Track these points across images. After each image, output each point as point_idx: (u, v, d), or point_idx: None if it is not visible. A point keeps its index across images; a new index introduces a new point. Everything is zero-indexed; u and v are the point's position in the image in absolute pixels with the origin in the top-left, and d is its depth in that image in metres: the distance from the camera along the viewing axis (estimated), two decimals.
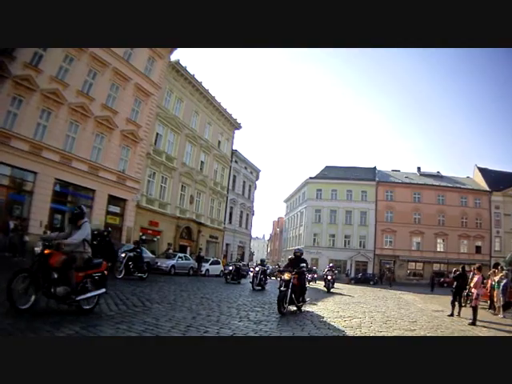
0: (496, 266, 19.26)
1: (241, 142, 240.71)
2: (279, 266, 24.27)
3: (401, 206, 62.63)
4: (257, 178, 60.84)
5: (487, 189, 63.12)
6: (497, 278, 17.13)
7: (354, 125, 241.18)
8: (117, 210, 30.66)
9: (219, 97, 72.60)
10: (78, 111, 26.22)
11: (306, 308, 13.89)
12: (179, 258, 29.45)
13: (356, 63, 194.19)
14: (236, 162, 52.40)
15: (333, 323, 10.60)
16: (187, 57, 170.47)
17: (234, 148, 52.00)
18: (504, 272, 17.63)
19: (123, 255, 19.41)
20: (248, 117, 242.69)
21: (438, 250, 62.20)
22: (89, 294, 8.08)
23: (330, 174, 68.64)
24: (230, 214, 51.54)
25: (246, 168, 56.13)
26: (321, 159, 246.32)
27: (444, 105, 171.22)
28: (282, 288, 11.79)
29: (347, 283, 47.53)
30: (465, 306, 16.43)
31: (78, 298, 7.75)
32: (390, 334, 9.36)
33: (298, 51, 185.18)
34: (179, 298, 13.25)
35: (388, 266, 60.27)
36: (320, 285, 33.73)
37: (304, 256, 14.42)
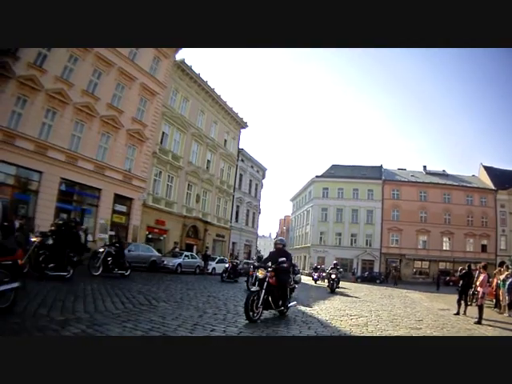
0: (501, 264, 19.17)
1: (247, 141, 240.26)
2: (260, 259, 17.33)
3: (407, 205, 62.54)
4: (263, 176, 60.75)
5: (493, 187, 62.93)
6: (502, 277, 17.07)
7: (359, 124, 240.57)
8: (123, 208, 30.71)
9: (225, 96, 72.52)
10: (84, 111, 26.28)
11: (313, 306, 13.88)
12: (185, 256, 29.49)
13: (360, 63, 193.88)
14: (242, 160, 52.36)
15: (339, 321, 10.61)
16: (192, 56, 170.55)
17: (240, 147, 51.96)
18: (510, 271, 17.51)
19: (101, 250, 17.95)
20: (254, 116, 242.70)
21: (444, 248, 62.06)
22: None
23: (337, 172, 68.57)
24: (237, 213, 51.53)
25: (252, 167, 56.08)
26: (327, 158, 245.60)
27: (447, 104, 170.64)
28: (253, 288, 9.92)
29: (353, 282, 47.48)
30: (470, 304, 16.38)
31: None
32: (396, 333, 9.36)
33: (302, 50, 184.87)
34: (186, 297, 13.25)
35: (394, 265, 60.11)
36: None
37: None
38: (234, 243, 50.29)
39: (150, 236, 33.71)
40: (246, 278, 21.02)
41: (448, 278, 50.42)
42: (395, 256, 61.77)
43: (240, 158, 51.52)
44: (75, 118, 25.83)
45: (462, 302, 15.30)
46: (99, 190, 27.99)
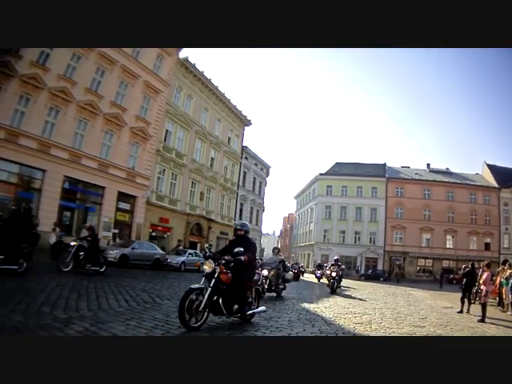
0: (505, 262, 19.10)
1: (251, 139, 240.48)
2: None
3: (411, 203, 62.49)
4: (267, 174, 60.79)
5: (496, 185, 62.79)
6: (506, 275, 17.04)
7: (362, 123, 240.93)
8: (127, 206, 30.85)
9: (229, 94, 72.49)
10: (87, 109, 26.41)
11: (317, 304, 13.85)
12: (189, 254, 29.33)
13: (363, 62, 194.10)
14: (246, 158, 52.43)
15: (343, 319, 10.57)
16: (196, 54, 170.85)
17: (244, 144, 52.02)
18: None
19: (73, 243, 16.34)
20: (258, 114, 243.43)
21: (448, 246, 62.04)
22: None
23: (340, 170, 68.45)
24: (241, 211, 51.58)
25: (256, 164, 56.12)
26: (331, 156, 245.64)
27: (450, 103, 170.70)
28: (194, 286, 7.45)
29: (357, 280, 47.49)
30: (474, 302, 16.34)
31: None
32: (400, 331, 9.35)
33: (306, 49, 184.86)
34: None
35: (398, 263, 60.09)
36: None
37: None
38: None
39: (153, 234, 33.79)
40: None
41: (451, 276, 50.33)
42: (399, 254, 61.74)
43: (244, 156, 51.56)
44: (78, 116, 25.96)
45: (466, 300, 15.25)
46: (103, 187, 28.14)
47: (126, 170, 29.96)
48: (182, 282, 18.20)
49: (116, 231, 29.39)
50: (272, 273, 15.36)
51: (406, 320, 11.62)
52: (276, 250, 18.61)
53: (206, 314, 7.28)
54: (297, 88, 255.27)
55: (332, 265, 22.70)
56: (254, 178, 55.77)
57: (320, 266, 40.76)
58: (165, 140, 35.44)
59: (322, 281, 36.27)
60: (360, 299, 18.08)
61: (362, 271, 57.70)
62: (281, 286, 16.17)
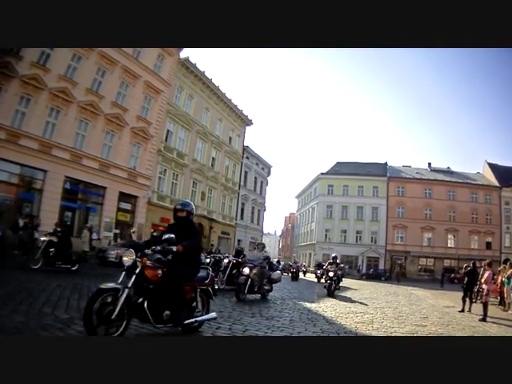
0: (506, 261, 19.08)
1: (252, 139, 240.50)
2: (239, 253, 16.29)
3: (412, 202, 62.43)
4: (268, 173, 60.80)
5: (497, 184, 62.64)
6: (507, 274, 17.03)
7: (363, 122, 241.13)
8: (128, 206, 30.89)
9: (230, 93, 72.39)
10: (88, 109, 26.42)
11: (318, 303, 13.85)
12: None
13: (364, 62, 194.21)
14: (247, 158, 52.42)
15: (345, 319, 10.57)
16: (197, 54, 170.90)
17: (245, 144, 52.02)
18: None
19: (43, 239, 15.32)
20: (259, 113, 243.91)
21: (449, 245, 61.96)
22: None
23: (342, 169, 68.31)
24: (242, 210, 51.67)
25: (257, 164, 56.13)
26: (332, 155, 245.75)
27: (451, 102, 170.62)
28: (105, 285, 5.60)
29: (359, 279, 47.47)
30: (475, 301, 16.33)
31: None
32: (401, 330, 9.35)
33: (306, 49, 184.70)
34: None
35: (399, 262, 60.09)
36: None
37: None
38: (239, 240, 50.04)
39: (155, 234, 33.72)
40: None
41: (453, 275, 50.19)
42: (400, 253, 61.69)
43: (245, 156, 51.56)
44: (79, 117, 25.96)
45: (467, 299, 15.25)
46: (104, 188, 28.14)
47: (127, 170, 29.98)
48: None
49: (117, 231, 29.41)
50: (255, 271, 13.33)
51: (407, 319, 11.63)
52: (260, 246, 17.27)
53: (125, 322, 5.52)
54: (298, 88, 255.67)
55: (329, 263, 19.73)
56: (256, 178, 55.78)
57: (320, 266, 40.60)
58: (166, 140, 35.48)
59: (322, 280, 36.26)
60: (361, 299, 18.04)
61: (364, 271, 57.65)
62: (266, 287, 14.34)
